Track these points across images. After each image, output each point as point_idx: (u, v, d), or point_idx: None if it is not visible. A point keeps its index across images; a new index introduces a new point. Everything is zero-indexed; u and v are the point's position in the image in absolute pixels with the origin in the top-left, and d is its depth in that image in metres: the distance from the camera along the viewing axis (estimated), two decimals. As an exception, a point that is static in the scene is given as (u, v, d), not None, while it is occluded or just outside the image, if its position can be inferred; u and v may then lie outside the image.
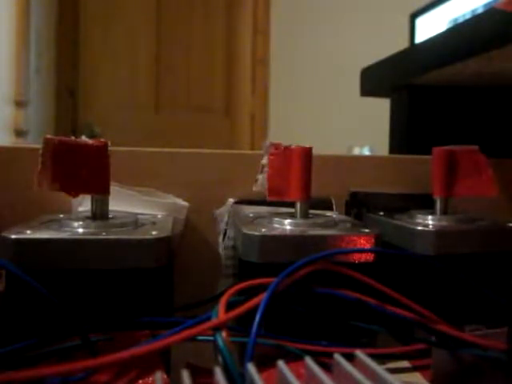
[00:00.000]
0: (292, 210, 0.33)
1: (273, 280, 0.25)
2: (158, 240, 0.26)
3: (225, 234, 0.37)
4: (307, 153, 0.31)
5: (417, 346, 0.27)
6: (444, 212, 0.35)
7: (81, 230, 0.28)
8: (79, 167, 0.28)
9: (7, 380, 0.17)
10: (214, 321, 0.22)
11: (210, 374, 0.19)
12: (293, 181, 0.31)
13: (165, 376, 0.22)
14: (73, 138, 0.29)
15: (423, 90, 0.53)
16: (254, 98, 1.89)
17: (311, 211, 0.32)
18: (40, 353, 0.23)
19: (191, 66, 1.85)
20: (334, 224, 0.31)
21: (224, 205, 0.38)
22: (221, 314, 0.23)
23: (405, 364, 0.28)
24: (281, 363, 0.19)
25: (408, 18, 0.92)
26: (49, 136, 0.28)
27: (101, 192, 0.29)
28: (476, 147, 0.35)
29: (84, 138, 0.29)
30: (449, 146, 0.35)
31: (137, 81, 1.82)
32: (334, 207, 0.38)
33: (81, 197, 0.35)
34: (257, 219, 0.33)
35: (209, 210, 0.38)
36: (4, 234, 0.26)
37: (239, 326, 0.25)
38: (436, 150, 0.35)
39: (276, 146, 0.32)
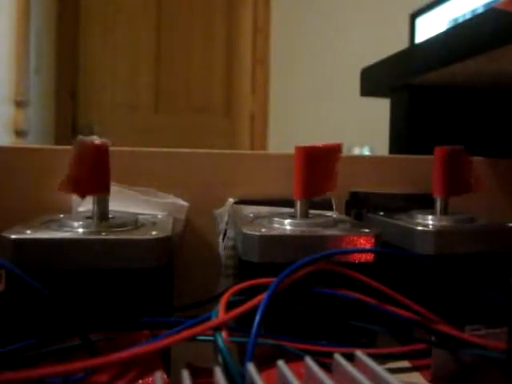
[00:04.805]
0: (292, 210, 0.33)
1: (273, 280, 0.25)
2: (158, 240, 0.26)
3: (225, 234, 0.37)
4: (306, 152, 0.31)
5: (417, 346, 0.27)
6: (444, 212, 0.35)
7: (81, 230, 0.28)
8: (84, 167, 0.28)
9: (7, 380, 0.17)
10: (214, 321, 0.22)
11: (210, 373, 0.19)
12: (294, 180, 0.31)
13: (165, 376, 0.22)
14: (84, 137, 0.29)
15: (423, 90, 0.53)
16: (254, 98, 1.89)
17: (311, 211, 0.32)
18: (40, 353, 0.23)
19: (191, 66, 1.85)
20: (333, 224, 0.31)
21: (224, 205, 0.38)
22: (221, 314, 0.23)
23: (405, 364, 0.28)
24: (281, 363, 0.19)
25: (408, 18, 0.92)
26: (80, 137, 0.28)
27: (101, 192, 0.29)
28: (460, 147, 0.35)
29: (94, 137, 0.29)
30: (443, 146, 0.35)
31: (137, 81, 1.82)
32: (334, 207, 0.38)
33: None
34: (257, 219, 0.33)
35: (209, 209, 0.38)
36: (4, 234, 0.26)
37: (239, 326, 0.25)
38: (437, 149, 0.35)
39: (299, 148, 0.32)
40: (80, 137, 0.28)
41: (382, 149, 0.66)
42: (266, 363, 0.21)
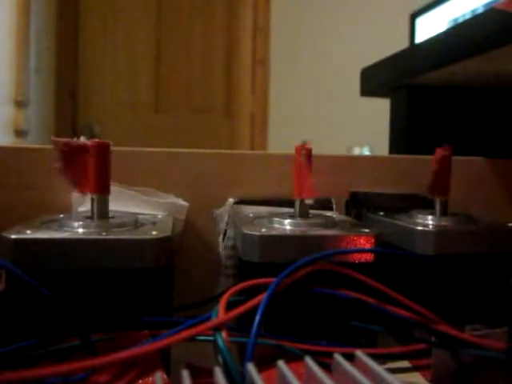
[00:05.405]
0: (292, 210, 0.33)
1: (273, 280, 0.25)
2: (158, 240, 0.26)
3: (225, 234, 0.37)
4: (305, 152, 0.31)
5: (417, 346, 0.27)
6: (444, 212, 0.35)
7: (81, 230, 0.28)
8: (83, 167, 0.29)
9: (7, 380, 0.17)
10: (214, 321, 0.22)
11: (210, 373, 0.19)
12: (293, 181, 0.31)
13: (165, 376, 0.22)
14: (75, 138, 0.29)
15: (423, 90, 0.53)
16: (254, 98, 1.89)
17: (311, 211, 0.32)
18: (40, 353, 0.23)
19: (191, 66, 1.85)
20: (333, 224, 0.31)
21: (224, 205, 0.38)
22: (221, 314, 0.23)
23: (405, 364, 0.28)
24: (281, 363, 0.19)
25: (408, 18, 0.92)
26: (54, 138, 0.28)
27: (101, 192, 0.29)
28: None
29: (82, 139, 0.29)
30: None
31: (137, 81, 1.82)
32: (334, 207, 0.38)
33: (81, 197, 0.35)
34: (257, 219, 0.33)
35: (209, 209, 0.38)
36: (4, 234, 0.26)
37: (239, 326, 0.25)
38: (438, 150, 0.35)
39: (298, 148, 0.31)
40: (53, 138, 0.28)
41: (382, 149, 0.66)
42: (266, 363, 0.21)
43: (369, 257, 0.29)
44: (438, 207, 0.35)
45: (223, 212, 0.38)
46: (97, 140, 0.29)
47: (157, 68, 1.83)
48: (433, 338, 0.26)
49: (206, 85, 1.87)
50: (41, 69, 1.54)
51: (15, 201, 0.36)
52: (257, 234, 0.28)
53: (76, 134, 0.31)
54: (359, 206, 0.40)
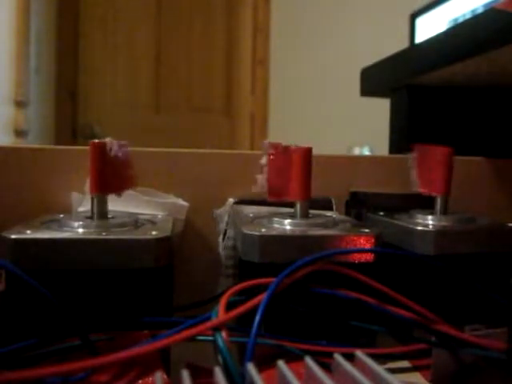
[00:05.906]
0: (292, 210, 0.33)
1: (273, 280, 0.25)
2: (158, 240, 0.26)
3: (225, 234, 0.37)
4: (307, 153, 0.31)
5: (417, 346, 0.27)
6: (444, 212, 0.35)
7: (81, 230, 0.28)
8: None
9: (7, 380, 0.17)
10: (214, 321, 0.22)
11: (210, 374, 0.19)
12: (293, 181, 0.31)
13: (165, 376, 0.22)
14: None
15: (423, 89, 0.53)
16: (254, 98, 1.89)
17: (311, 211, 0.32)
18: (40, 353, 0.23)
19: (191, 66, 1.85)
20: (333, 224, 0.31)
21: (224, 205, 0.38)
22: (221, 314, 0.23)
23: (405, 364, 0.28)
24: (281, 363, 0.19)
25: (408, 18, 0.92)
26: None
27: (101, 192, 0.29)
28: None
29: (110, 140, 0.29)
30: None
31: (137, 81, 1.82)
32: (334, 207, 0.38)
33: (81, 197, 0.35)
34: (257, 219, 0.33)
35: (209, 209, 0.38)
36: (4, 234, 0.26)
37: (239, 326, 0.25)
38: (438, 149, 0.35)
39: (275, 146, 0.32)
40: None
41: (382, 149, 0.66)
42: (266, 363, 0.21)
43: (369, 257, 0.29)
44: (438, 207, 0.35)
45: (223, 212, 0.38)
46: (95, 140, 0.29)
47: (157, 68, 1.83)
48: (433, 338, 0.26)
49: (206, 85, 1.87)
50: (41, 69, 1.54)
51: (15, 201, 0.36)
52: (257, 233, 0.28)
53: (76, 134, 0.31)
54: (359, 205, 0.40)
